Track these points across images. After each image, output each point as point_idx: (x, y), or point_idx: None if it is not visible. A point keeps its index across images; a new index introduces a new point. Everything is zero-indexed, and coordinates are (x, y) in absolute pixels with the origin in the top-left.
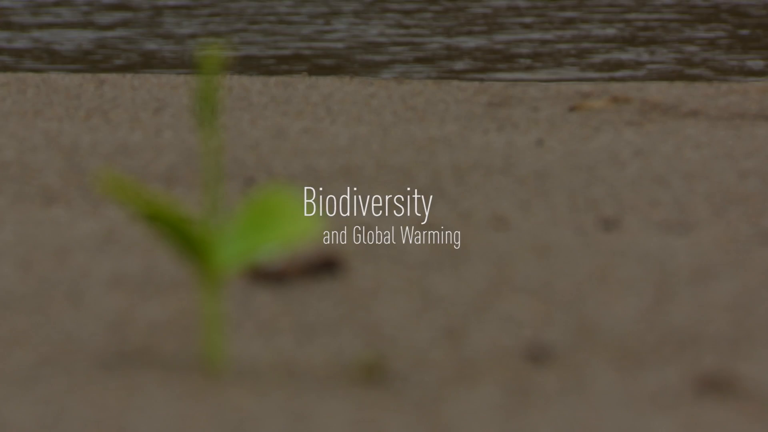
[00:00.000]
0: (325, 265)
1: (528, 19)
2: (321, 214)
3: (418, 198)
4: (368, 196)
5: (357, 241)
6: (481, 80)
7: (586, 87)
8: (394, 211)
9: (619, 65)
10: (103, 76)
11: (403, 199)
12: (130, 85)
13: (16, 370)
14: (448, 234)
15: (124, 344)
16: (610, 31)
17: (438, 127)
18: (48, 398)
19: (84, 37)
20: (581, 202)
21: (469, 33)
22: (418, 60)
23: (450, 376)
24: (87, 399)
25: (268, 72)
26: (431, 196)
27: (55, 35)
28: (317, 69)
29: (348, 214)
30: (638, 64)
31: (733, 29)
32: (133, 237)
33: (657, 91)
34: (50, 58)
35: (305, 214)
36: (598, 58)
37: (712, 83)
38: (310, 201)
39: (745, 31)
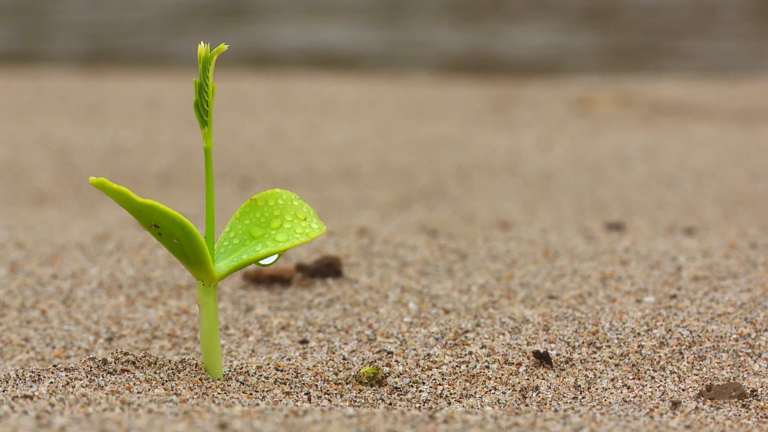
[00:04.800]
0: (325, 267)
1: (536, 17)
2: (320, 216)
3: (419, 199)
4: (368, 197)
5: (358, 242)
6: (486, 78)
7: (593, 86)
8: (395, 213)
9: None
10: (96, 74)
11: (404, 201)
12: (124, 84)
13: (15, 371)
14: (451, 236)
15: (121, 346)
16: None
17: (440, 126)
18: (47, 399)
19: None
20: (587, 204)
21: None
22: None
23: (452, 379)
24: (86, 399)
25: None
26: (433, 198)
27: None
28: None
29: (348, 215)
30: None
31: None
32: (128, 238)
33: (665, 89)
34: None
35: (305, 216)
36: (604, 57)
37: (722, 81)
38: (308, 203)
39: None
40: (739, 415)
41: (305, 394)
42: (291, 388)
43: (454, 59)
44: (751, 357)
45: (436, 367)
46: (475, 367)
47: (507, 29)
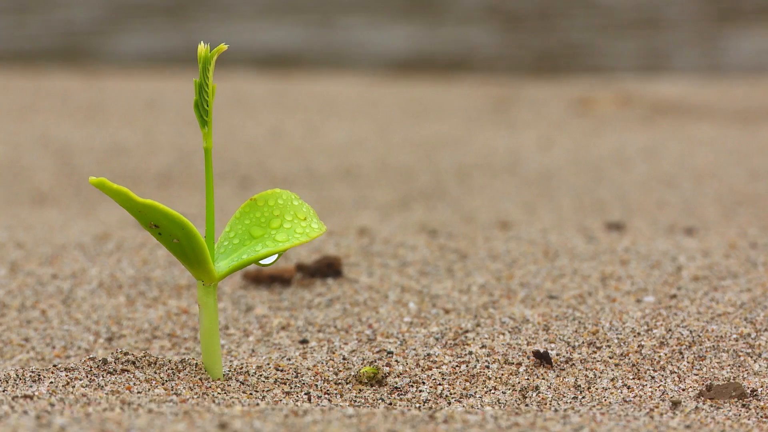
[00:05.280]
0: (325, 267)
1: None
2: (320, 216)
3: (419, 199)
4: (368, 197)
5: (358, 242)
6: (486, 78)
7: (593, 85)
8: (395, 213)
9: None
10: (95, 74)
11: (404, 200)
12: (124, 84)
13: (15, 371)
14: (451, 236)
15: (121, 346)
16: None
17: (440, 126)
18: (47, 399)
19: None
20: (587, 204)
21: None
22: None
23: (452, 379)
24: (86, 399)
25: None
26: (433, 198)
27: None
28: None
29: (348, 215)
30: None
31: None
32: (128, 238)
33: (666, 89)
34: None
35: (305, 216)
36: (605, 56)
37: (723, 80)
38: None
39: None
40: (739, 415)
41: (305, 394)
42: (291, 388)
43: (395, 58)
44: (751, 357)
45: (436, 367)
46: (475, 367)
47: (452, 29)
